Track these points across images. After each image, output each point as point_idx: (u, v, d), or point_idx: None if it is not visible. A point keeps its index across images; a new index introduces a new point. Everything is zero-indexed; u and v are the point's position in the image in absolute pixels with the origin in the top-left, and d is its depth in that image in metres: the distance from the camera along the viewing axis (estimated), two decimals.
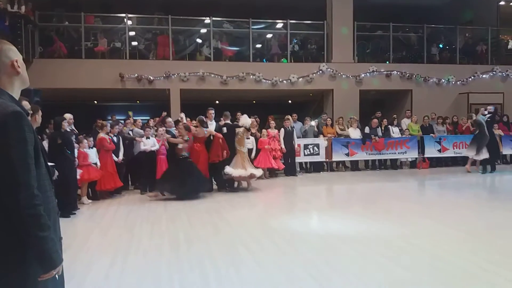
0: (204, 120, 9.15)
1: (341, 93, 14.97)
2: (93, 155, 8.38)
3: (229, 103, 12.86)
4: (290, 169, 11.70)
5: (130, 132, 9.94)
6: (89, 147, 8.37)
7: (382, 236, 5.50)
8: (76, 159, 7.68)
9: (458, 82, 15.81)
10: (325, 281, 4.00)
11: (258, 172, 9.51)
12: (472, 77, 15.92)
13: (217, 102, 16.86)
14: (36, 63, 12.50)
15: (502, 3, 17.28)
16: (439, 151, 12.98)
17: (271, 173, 11.48)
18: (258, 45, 15.62)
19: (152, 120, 11.50)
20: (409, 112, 13.89)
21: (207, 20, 14.59)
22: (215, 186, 9.43)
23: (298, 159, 12.11)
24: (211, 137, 9.03)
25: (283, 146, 11.35)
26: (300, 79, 14.66)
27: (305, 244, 5.21)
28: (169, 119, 10.14)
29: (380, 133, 12.65)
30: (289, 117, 11.85)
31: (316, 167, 12.52)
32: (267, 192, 9.63)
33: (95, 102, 18.25)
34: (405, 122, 13.54)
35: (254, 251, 4.94)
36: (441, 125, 13.40)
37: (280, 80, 14.49)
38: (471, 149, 11.52)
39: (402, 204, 7.83)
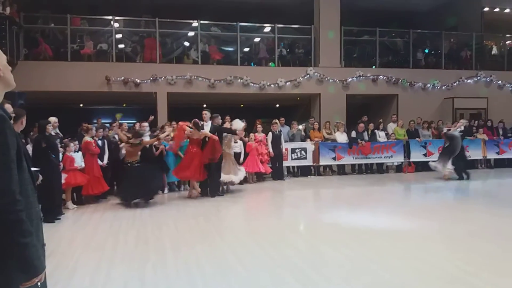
0: (200, 123, 9.08)
1: (328, 97, 15.05)
2: (78, 159, 8.27)
3: (217, 106, 12.80)
4: (278, 173, 11.70)
5: (116, 136, 9.80)
6: (75, 151, 8.27)
7: (370, 240, 5.52)
8: (61, 164, 7.57)
9: (443, 87, 16.00)
10: (312, 285, 3.99)
11: (241, 175, 9.60)
12: (457, 82, 16.14)
13: (204, 105, 16.77)
14: (21, 65, 12.32)
15: (486, 9, 17.56)
16: (425, 155, 13.08)
17: (259, 177, 11.46)
18: (246, 49, 15.63)
19: (138, 123, 11.38)
20: (395, 117, 13.99)
21: (195, 23, 14.56)
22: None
23: (285, 163, 12.11)
24: (206, 139, 8.98)
25: (271, 150, 11.36)
26: (288, 83, 14.71)
27: (292, 248, 5.20)
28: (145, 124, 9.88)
29: (366, 137, 12.72)
30: (277, 121, 11.86)
31: (304, 171, 12.54)
32: (255, 197, 9.61)
33: (81, 105, 18.06)
34: (391, 126, 13.65)
35: (241, 256, 4.91)
36: (427, 129, 13.55)
37: (268, 84, 14.51)
38: (441, 162, 11.14)
39: (388, 208, 7.89)
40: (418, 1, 17.69)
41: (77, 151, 8.38)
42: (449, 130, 11.19)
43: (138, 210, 7.90)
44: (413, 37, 16.44)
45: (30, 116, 5.03)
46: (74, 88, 13.14)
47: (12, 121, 1.96)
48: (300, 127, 12.81)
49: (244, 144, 10.84)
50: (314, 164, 12.49)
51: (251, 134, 11.25)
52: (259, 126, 11.60)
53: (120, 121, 10.43)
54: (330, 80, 15.04)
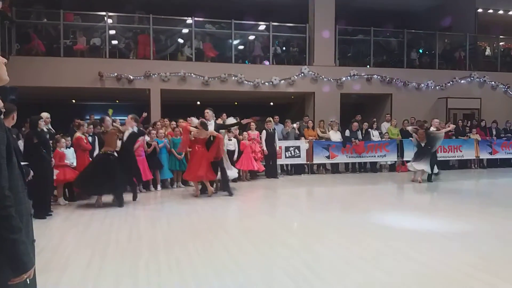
0: (207, 123, 8.99)
1: (322, 96, 15.06)
2: (70, 155, 8.21)
3: (211, 104, 12.70)
4: (271, 171, 11.69)
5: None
6: (66, 147, 8.21)
7: (362, 239, 5.52)
8: (53, 159, 7.51)
9: (437, 87, 16.08)
10: (305, 283, 3.98)
11: (234, 172, 9.61)
12: (451, 82, 16.22)
13: (198, 103, 16.75)
14: (13, 60, 12.17)
15: (480, 10, 17.65)
16: None
17: (252, 175, 11.45)
18: (241, 47, 15.60)
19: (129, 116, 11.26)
20: (389, 116, 14.04)
21: (189, 20, 14.49)
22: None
23: (279, 161, 12.11)
24: (211, 138, 8.91)
25: (264, 148, 11.35)
26: (282, 82, 14.69)
27: (286, 247, 5.19)
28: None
29: (360, 136, 12.74)
30: (271, 119, 11.85)
31: (297, 170, 12.54)
32: (248, 194, 9.60)
33: (73, 101, 17.94)
34: (385, 125, 13.72)
35: (234, 254, 4.90)
36: None
37: (262, 82, 14.49)
38: (420, 162, 10.69)
39: (381, 207, 7.90)
40: (413, 1, 17.76)
41: (69, 147, 8.32)
42: (438, 130, 10.92)
43: (130, 207, 7.85)
44: (407, 37, 16.50)
45: (21, 112, 4.99)
46: (67, 84, 13.04)
47: (2, 116, 1.92)
48: (294, 125, 12.81)
49: (238, 142, 10.83)
50: (308, 162, 12.49)
51: (244, 132, 11.23)
52: (252, 124, 11.55)
53: (112, 117, 10.32)
54: (325, 79, 15.05)
